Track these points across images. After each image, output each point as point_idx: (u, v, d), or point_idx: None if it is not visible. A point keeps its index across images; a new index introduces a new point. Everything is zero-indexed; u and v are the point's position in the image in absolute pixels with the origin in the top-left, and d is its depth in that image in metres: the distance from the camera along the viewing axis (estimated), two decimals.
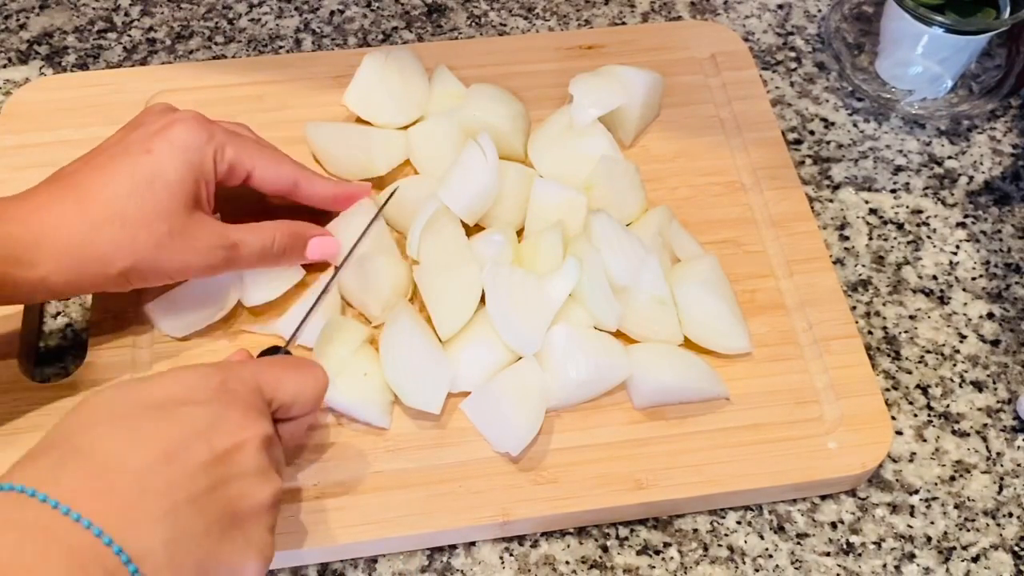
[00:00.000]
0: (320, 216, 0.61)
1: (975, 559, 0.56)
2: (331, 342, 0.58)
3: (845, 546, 0.56)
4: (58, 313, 0.63)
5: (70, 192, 0.51)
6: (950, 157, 0.73)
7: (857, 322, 0.64)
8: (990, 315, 0.65)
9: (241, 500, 0.43)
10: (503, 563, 0.55)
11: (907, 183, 0.71)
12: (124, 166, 0.52)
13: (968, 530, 0.57)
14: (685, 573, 0.55)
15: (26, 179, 0.65)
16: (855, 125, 0.74)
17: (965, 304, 0.66)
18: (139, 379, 0.44)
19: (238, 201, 0.59)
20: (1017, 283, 0.67)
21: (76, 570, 0.37)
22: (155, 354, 0.59)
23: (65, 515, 0.38)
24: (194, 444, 0.42)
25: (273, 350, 0.55)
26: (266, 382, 0.47)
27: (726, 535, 0.57)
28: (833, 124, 0.74)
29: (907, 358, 0.63)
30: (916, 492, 0.59)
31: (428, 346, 0.57)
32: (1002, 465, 0.60)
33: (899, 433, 0.60)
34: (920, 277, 0.67)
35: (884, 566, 0.56)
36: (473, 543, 0.56)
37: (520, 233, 0.64)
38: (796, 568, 0.56)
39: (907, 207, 0.70)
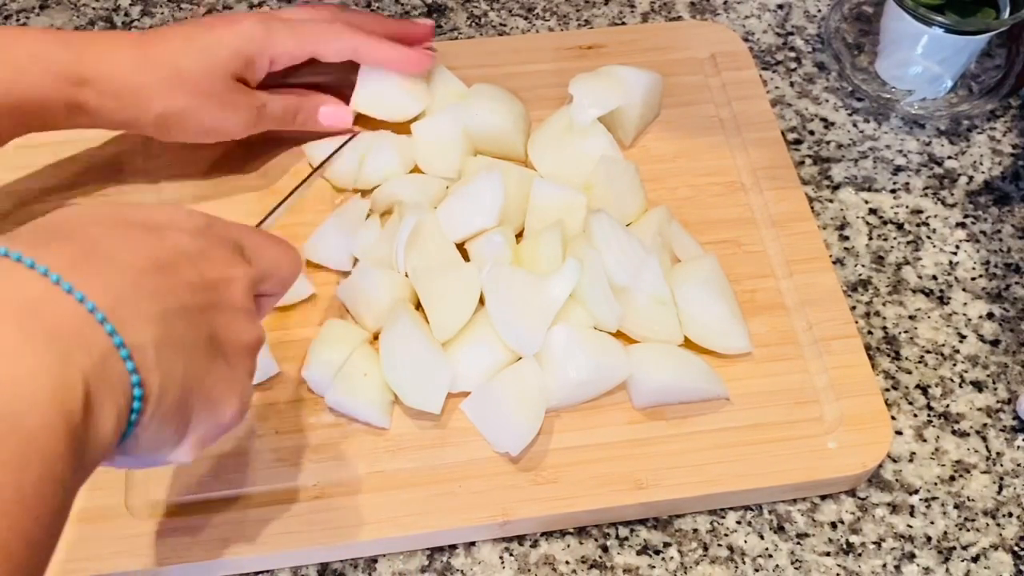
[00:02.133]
0: None
1: (975, 559, 0.56)
2: (331, 343, 0.58)
3: (845, 546, 0.56)
4: None
5: (133, 38, 0.59)
6: (950, 157, 0.73)
7: (857, 322, 0.64)
8: (990, 315, 0.65)
9: (228, 331, 0.41)
10: (503, 563, 0.55)
11: (907, 183, 0.71)
12: (185, 32, 0.60)
13: (968, 530, 0.57)
14: (685, 573, 0.55)
15: (30, 179, 0.66)
16: (855, 125, 0.74)
17: (965, 304, 0.66)
18: (126, 204, 0.45)
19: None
20: (1017, 283, 0.67)
21: (58, 349, 0.33)
22: None
23: (55, 284, 0.34)
24: (184, 264, 0.39)
25: None
26: (248, 243, 0.44)
27: (726, 535, 0.57)
28: (833, 124, 0.74)
29: (907, 358, 0.63)
30: (916, 492, 0.59)
31: (428, 346, 0.57)
32: (1002, 465, 0.60)
33: (899, 433, 0.60)
34: (920, 277, 0.67)
35: (884, 566, 0.56)
36: (473, 543, 0.56)
37: (520, 234, 0.64)
38: (796, 568, 0.56)
39: (907, 207, 0.70)
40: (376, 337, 0.59)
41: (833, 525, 0.57)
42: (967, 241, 0.68)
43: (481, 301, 0.59)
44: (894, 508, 0.58)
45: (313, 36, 0.62)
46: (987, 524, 0.58)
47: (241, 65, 0.60)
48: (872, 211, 0.70)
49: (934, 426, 0.61)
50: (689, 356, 0.59)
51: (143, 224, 0.40)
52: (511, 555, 0.56)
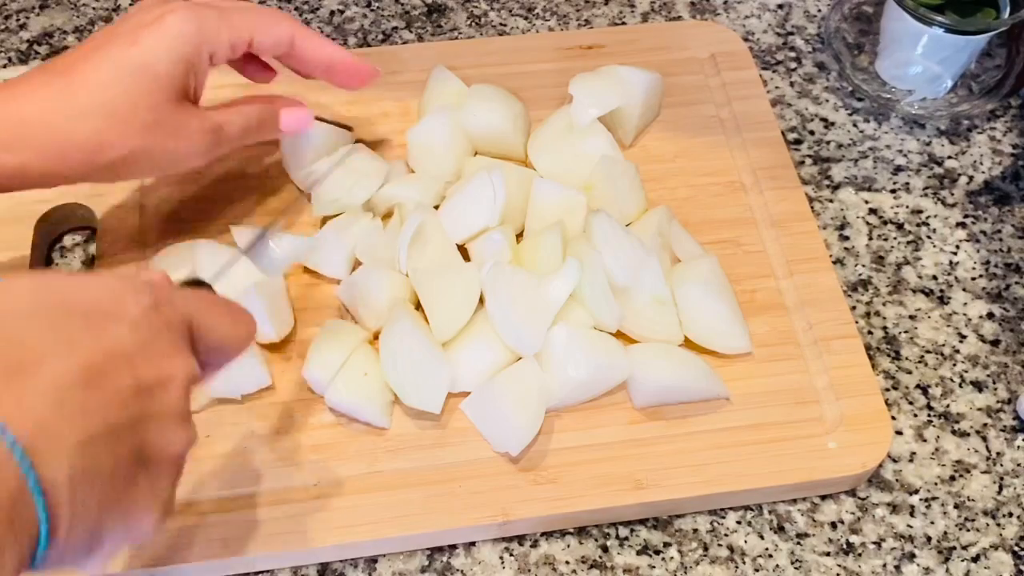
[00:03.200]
0: None
1: (975, 559, 0.56)
2: (330, 342, 0.58)
3: (845, 546, 0.56)
4: None
5: (55, 79, 0.51)
6: (950, 157, 0.73)
7: (857, 322, 0.64)
8: (990, 315, 0.65)
9: (156, 443, 0.37)
10: (503, 563, 0.55)
11: (907, 183, 0.71)
12: (111, 56, 0.51)
13: (968, 530, 0.57)
14: (685, 573, 0.55)
15: None
16: (855, 125, 0.74)
17: (965, 304, 0.66)
18: (58, 275, 0.40)
19: None
20: (1017, 283, 0.67)
21: None
22: None
23: None
24: (119, 367, 0.36)
25: (196, 283, 0.48)
26: (197, 319, 0.41)
27: (726, 535, 0.57)
28: (833, 124, 0.74)
29: (907, 358, 0.63)
30: (916, 492, 0.59)
31: (428, 346, 0.56)
32: (1002, 465, 0.60)
33: (899, 433, 0.60)
34: (920, 277, 0.67)
35: (884, 566, 0.56)
36: (473, 543, 0.56)
37: (520, 234, 0.64)
38: (796, 568, 0.56)
39: (907, 207, 0.70)
40: (376, 337, 0.59)
41: (833, 525, 0.57)
42: (967, 241, 0.68)
43: (481, 301, 0.59)
44: (894, 508, 0.58)
45: (249, 21, 0.55)
46: (987, 524, 0.58)
47: (180, 74, 0.52)
48: (872, 211, 0.70)
49: (934, 426, 0.61)
50: (689, 356, 0.59)
51: (83, 312, 0.37)
52: (511, 555, 0.56)
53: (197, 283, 0.48)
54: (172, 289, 0.42)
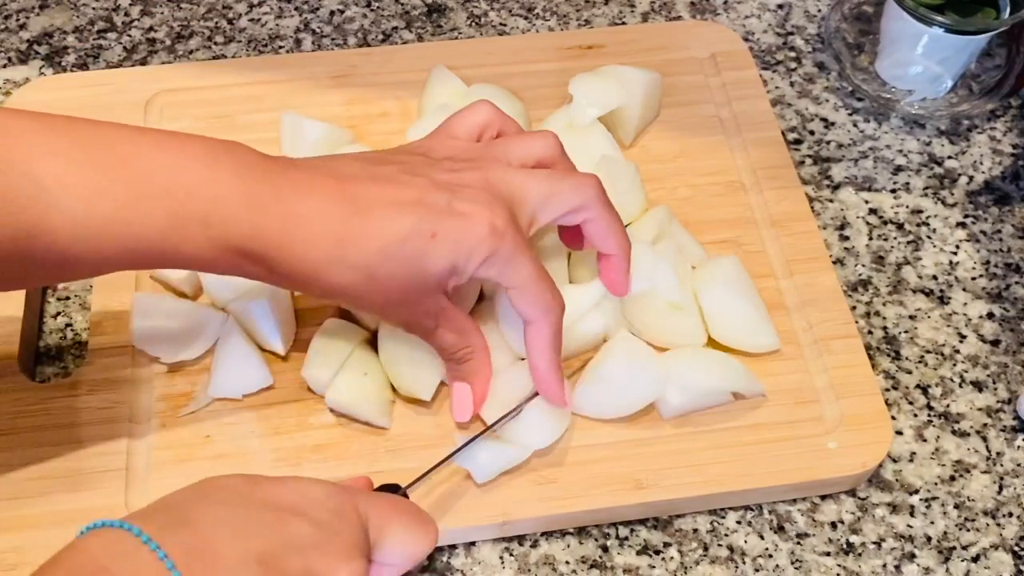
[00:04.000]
0: None
1: (975, 559, 0.56)
2: (330, 342, 0.58)
3: (845, 546, 0.56)
4: (58, 313, 0.63)
5: (340, 206, 0.48)
6: (950, 157, 0.73)
7: (857, 322, 0.64)
8: (990, 315, 0.65)
9: None
10: (503, 563, 0.55)
11: (907, 183, 0.71)
12: (401, 226, 0.48)
13: (968, 530, 0.57)
14: (685, 573, 0.55)
15: None
16: (855, 125, 0.74)
17: (965, 304, 0.66)
18: (267, 477, 0.43)
19: None
20: (1017, 283, 0.67)
21: None
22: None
23: (169, 570, 0.37)
24: (291, 556, 0.40)
25: (393, 488, 0.51)
26: (377, 524, 0.44)
27: (726, 535, 0.57)
28: (833, 124, 0.74)
29: (907, 358, 0.63)
30: (916, 492, 0.59)
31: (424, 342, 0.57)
32: (1002, 465, 0.60)
33: (899, 433, 0.60)
34: (920, 277, 0.67)
35: (884, 566, 0.56)
36: (473, 543, 0.56)
37: None
38: (796, 568, 0.56)
39: (907, 207, 0.70)
40: (376, 336, 0.59)
41: (833, 525, 0.57)
42: (967, 241, 0.68)
43: (481, 298, 0.59)
44: (894, 508, 0.58)
45: (518, 280, 0.51)
46: (987, 524, 0.58)
47: (447, 278, 0.50)
48: (872, 211, 0.70)
49: (934, 426, 0.61)
50: (722, 356, 0.59)
51: (272, 507, 0.41)
52: (511, 555, 0.56)
53: (394, 488, 0.51)
54: (364, 495, 0.45)
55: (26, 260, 0.45)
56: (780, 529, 0.57)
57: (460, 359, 0.55)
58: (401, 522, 0.46)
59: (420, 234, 0.48)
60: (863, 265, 0.67)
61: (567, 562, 0.55)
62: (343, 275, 0.48)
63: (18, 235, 0.43)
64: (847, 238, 0.68)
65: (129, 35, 0.77)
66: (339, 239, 0.47)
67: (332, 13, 0.79)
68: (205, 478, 0.43)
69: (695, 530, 0.57)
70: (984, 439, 0.60)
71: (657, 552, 0.56)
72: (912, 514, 0.58)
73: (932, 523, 0.57)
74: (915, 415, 0.61)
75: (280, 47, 0.77)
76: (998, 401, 0.62)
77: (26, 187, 0.43)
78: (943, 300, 0.66)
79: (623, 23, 0.79)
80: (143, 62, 0.75)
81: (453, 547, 0.56)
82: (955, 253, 0.68)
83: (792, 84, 0.76)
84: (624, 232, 0.56)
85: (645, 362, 0.57)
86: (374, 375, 0.57)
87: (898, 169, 0.72)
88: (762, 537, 0.57)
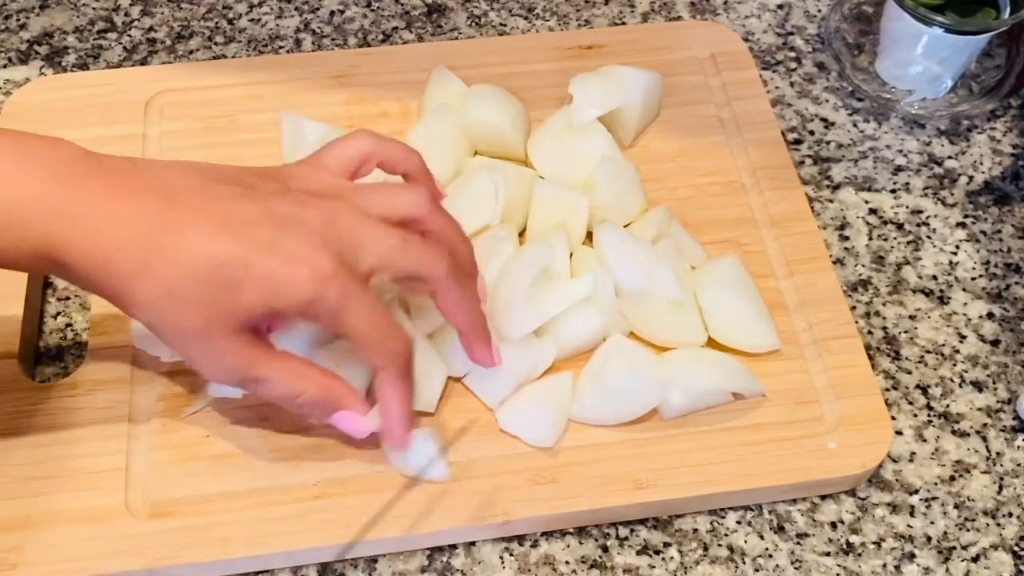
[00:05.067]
0: None
1: (975, 559, 0.56)
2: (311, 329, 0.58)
3: (845, 546, 0.56)
4: (58, 313, 0.63)
5: (157, 215, 0.46)
6: (950, 157, 0.73)
7: (857, 322, 0.64)
8: (990, 315, 0.65)
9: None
10: (503, 563, 0.55)
11: (907, 183, 0.71)
12: (215, 250, 0.45)
13: (968, 530, 0.57)
14: (685, 573, 0.55)
15: None
16: (855, 125, 0.74)
17: (965, 304, 0.66)
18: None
19: None
20: (1017, 283, 0.67)
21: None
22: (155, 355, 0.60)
23: None
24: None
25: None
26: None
27: (726, 535, 0.57)
28: (833, 124, 0.74)
29: (907, 358, 0.63)
30: (916, 492, 0.59)
31: (419, 345, 0.56)
32: (1002, 465, 0.60)
33: (899, 433, 0.60)
34: (920, 277, 0.67)
35: (884, 566, 0.56)
36: (473, 543, 0.56)
37: (520, 233, 0.64)
38: (796, 568, 0.56)
39: (907, 207, 0.70)
40: None
41: (833, 525, 0.57)
42: (967, 241, 0.68)
43: None
44: (894, 508, 0.58)
45: (355, 328, 0.48)
46: (987, 524, 0.58)
47: (259, 317, 0.47)
48: (872, 211, 0.70)
49: (934, 426, 0.61)
50: (722, 356, 0.59)
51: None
52: (511, 555, 0.56)
53: None
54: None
55: None
56: (780, 529, 0.57)
57: (306, 407, 0.51)
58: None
59: (232, 263, 0.45)
60: (863, 265, 0.67)
61: (567, 562, 0.55)
62: (144, 289, 0.45)
63: None
64: (847, 238, 0.68)
65: (129, 35, 0.77)
66: (145, 248, 0.45)
67: (332, 13, 0.79)
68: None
69: (695, 530, 0.57)
70: (984, 439, 0.60)
71: (657, 552, 0.56)
72: (912, 514, 0.58)
73: (932, 523, 0.57)
74: (915, 415, 0.61)
75: (280, 47, 0.77)
76: (998, 401, 0.62)
77: None
78: (943, 300, 0.66)
79: (623, 23, 0.79)
80: (143, 62, 0.75)
81: (453, 547, 0.56)
82: (955, 253, 0.68)
83: (792, 84, 0.76)
84: (476, 305, 0.53)
85: (646, 368, 0.57)
86: (347, 372, 0.56)
87: (898, 169, 0.72)
88: (762, 537, 0.57)
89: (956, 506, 0.58)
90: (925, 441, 0.60)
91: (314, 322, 0.48)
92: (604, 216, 0.63)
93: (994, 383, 0.63)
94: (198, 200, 0.47)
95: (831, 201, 0.70)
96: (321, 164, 0.52)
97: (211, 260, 0.45)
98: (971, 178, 0.72)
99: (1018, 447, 0.60)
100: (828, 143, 0.73)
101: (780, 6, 0.81)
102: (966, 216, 0.70)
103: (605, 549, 0.56)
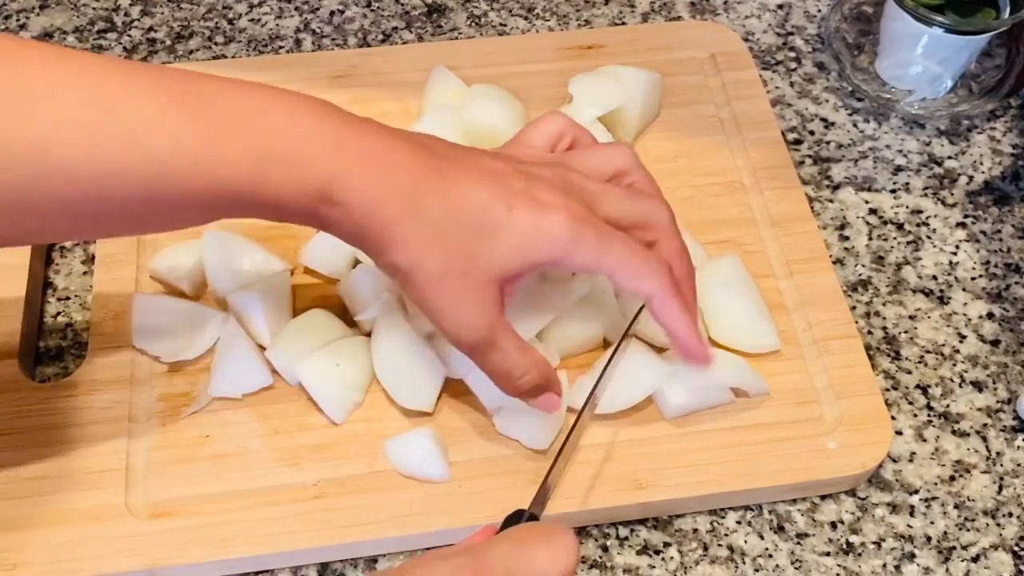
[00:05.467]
0: None
1: (975, 559, 0.56)
2: (301, 330, 0.58)
3: (845, 546, 0.56)
4: (58, 313, 0.63)
5: (424, 164, 0.47)
6: (950, 157, 0.73)
7: (857, 322, 0.64)
8: (990, 315, 0.65)
9: None
10: None
11: (907, 183, 0.71)
12: (479, 195, 0.47)
13: (968, 530, 0.57)
14: (685, 573, 0.55)
15: None
16: (855, 125, 0.74)
17: (965, 304, 0.66)
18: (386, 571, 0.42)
19: None
20: (1017, 283, 0.67)
21: None
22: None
23: None
24: None
25: (517, 515, 0.48)
26: (517, 566, 0.41)
27: (726, 535, 0.57)
28: (833, 124, 0.74)
29: (907, 358, 0.63)
30: (916, 492, 0.59)
31: (418, 345, 0.56)
32: (1002, 465, 0.60)
33: (899, 433, 0.60)
34: (920, 277, 0.67)
35: (884, 566, 0.56)
36: None
37: None
38: (796, 568, 0.56)
39: (907, 207, 0.70)
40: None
41: (833, 525, 0.57)
42: (967, 241, 0.68)
43: None
44: (894, 508, 0.58)
45: (618, 259, 0.49)
46: (987, 524, 0.58)
47: (517, 269, 0.48)
48: (872, 211, 0.70)
49: (934, 426, 0.61)
50: (724, 354, 0.59)
51: None
52: None
53: (518, 515, 0.48)
54: (493, 548, 0.42)
55: (105, 199, 0.43)
56: (780, 529, 0.57)
57: (517, 389, 0.51)
58: (540, 548, 0.42)
59: (496, 205, 0.47)
60: (863, 265, 0.67)
61: None
62: (412, 228, 0.46)
63: (99, 171, 0.43)
64: (847, 238, 0.68)
65: (129, 35, 0.77)
66: (417, 188, 0.46)
67: (332, 13, 0.79)
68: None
69: (695, 530, 0.57)
70: (984, 439, 0.60)
71: (657, 552, 0.56)
72: (912, 514, 0.58)
73: (932, 523, 0.57)
74: (915, 415, 0.61)
75: (280, 47, 0.77)
76: (998, 401, 0.62)
77: (110, 123, 0.43)
78: (943, 300, 0.66)
79: (623, 23, 0.79)
80: (143, 62, 0.75)
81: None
82: (955, 253, 0.68)
83: (792, 84, 0.76)
84: (692, 309, 0.53)
85: (643, 356, 0.57)
86: (346, 369, 0.57)
87: (898, 169, 0.72)
88: (762, 537, 0.57)
89: (956, 506, 0.58)
90: (925, 441, 0.60)
91: (568, 267, 0.50)
92: None
93: (994, 383, 0.63)
94: (454, 154, 0.49)
95: (831, 201, 0.70)
96: (527, 142, 0.54)
97: (477, 204, 0.47)
98: (971, 178, 0.72)
99: (1018, 447, 0.60)
100: (828, 143, 0.73)
101: (780, 6, 0.81)
102: (966, 216, 0.70)
103: (605, 549, 0.56)
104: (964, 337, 0.64)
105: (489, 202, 0.47)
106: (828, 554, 0.56)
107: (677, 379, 0.57)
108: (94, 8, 0.78)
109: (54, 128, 0.42)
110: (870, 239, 0.68)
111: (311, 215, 0.47)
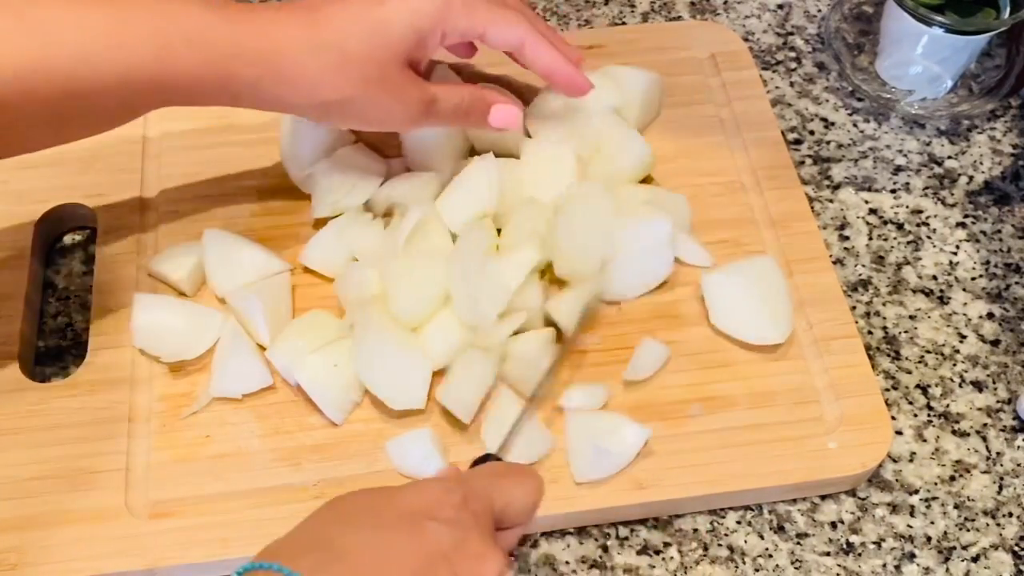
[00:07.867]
0: None
1: (975, 559, 0.56)
2: (301, 329, 0.58)
3: (845, 546, 0.56)
4: (58, 313, 0.63)
5: (303, 13, 0.54)
6: (950, 157, 0.73)
7: (857, 322, 0.64)
8: (990, 315, 0.65)
9: None
10: None
11: (907, 183, 0.71)
12: (357, 7, 0.54)
13: (968, 530, 0.57)
14: (685, 573, 0.55)
15: (30, 178, 0.66)
16: (855, 125, 0.74)
17: (965, 304, 0.66)
18: (390, 489, 0.44)
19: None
20: (1017, 283, 0.67)
21: None
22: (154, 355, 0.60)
23: None
24: (439, 565, 0.41)
25: (484, 458, 0.51)
26: (499, 497, 0.46)
27: (726, 535, 0.57)
28: (833, 124, 0.74)
29: (907, 358, 0.63)
30: (916, 492, 0.59)
31: (402, 343, 0.57)
32: (1002, 465, 0.60)
33: (899, 433, 0.60)
34: (920, 277, 0.67)
35: (884, 566, 0.56)
36: None
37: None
38: (796, 568, 0.56)
39: (907, 207, 0.70)
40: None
41: (833, 525, 0.57)
42: (967, 241, 0.68)
43: None
44: (894, 508, 0.58)
45: (487, 17, 0.57)
46: (987, 524, 0.58)
47: (412, 45, 0.55)
48: (872, 211, 0.70)
49: (934, 426, 0.61)
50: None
51: (405, 517, 0.42)
52: (511, 555, 0.55)
53: (485, 458, 0.51)
54: (479, 478, 0.47)
55: (29, 99, 0.48)
56: (780, 529, 0.57)
57: (468, 112, 0.59)
58: (513, 483, 0.47)
59: (371, 3, 0.54)
60: (863, 265, 0.67)
61: (567, 562, 0.55)
62: (319, 58, 0.53)
63: (21, 72, 0.47)
64: (847, 238, 0.68)
65: None
66: (310, 24, 0.53)
67: None
68: (335, 497, 0.44)
69: (695, 530, 0.57)
70: (984, 439, 0.60)
71: (657, 552, 0.56)
72: (912, 514, 0.58)
73: (932, 523, 0.57)
74: (915, 415, 0.61)
75: None
76: (998, 401, 0.62)
77: (21, 28, 0.48)
78: (943, 300, 0.66)
79: (623, 23, 0.79)
80: None
81: None
82: (955, 253, 0.68)
83: (792, 84, 0.76)
84: (562, 51, 0.60)
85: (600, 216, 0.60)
86: (344, 370, 0.57)
87: (898, 169, 0.72)
88: (762, 537, 0.57)
89: (956, 506, 0.58)
90: (925, 441, 0.60)
91: (455, 30, 0.56)
92: (606, 172, 0.64)
93: (994, 383, 0.63)
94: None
95: (831, 201, 0.70)
96: None
97: (356, 9, 0.54)
98: (971, 178, 0.72)
99: (1018, 447, 0.60)
100: (828, 143, 0.73)
101: (780, 6, 0.81)
102: (966, 216, 0.70)
103: (605, 549, 0.56)
104: (964, 337, 0.64)
105: (366, 4, 0.54)
106: (828, 554, 0.56)
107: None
108: None
109: None
110: (870, 239, 0.68)
111: (225, 91, 0.52)
